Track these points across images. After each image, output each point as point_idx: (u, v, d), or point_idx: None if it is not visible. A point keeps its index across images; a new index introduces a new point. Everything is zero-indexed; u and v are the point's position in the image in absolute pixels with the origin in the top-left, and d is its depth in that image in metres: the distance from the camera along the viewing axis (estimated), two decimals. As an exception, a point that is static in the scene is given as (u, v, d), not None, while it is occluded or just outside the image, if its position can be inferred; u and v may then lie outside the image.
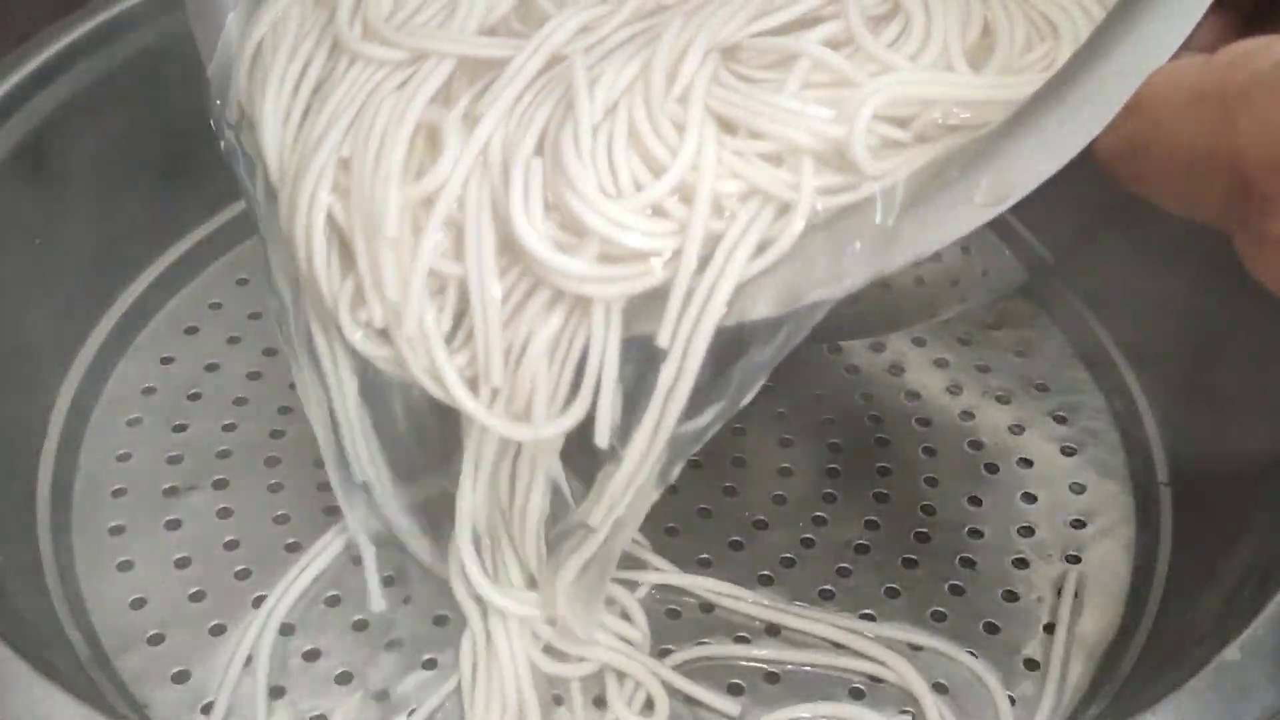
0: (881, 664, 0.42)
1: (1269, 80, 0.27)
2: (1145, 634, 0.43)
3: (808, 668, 0.42)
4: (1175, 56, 0.30)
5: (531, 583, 0.41)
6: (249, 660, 0.42)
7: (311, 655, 0.43)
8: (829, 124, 0.33)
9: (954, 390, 0.51)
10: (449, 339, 0.35)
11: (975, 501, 0.47)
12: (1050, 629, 0.43)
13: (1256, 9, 0.32)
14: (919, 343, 0.53)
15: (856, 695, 0.42)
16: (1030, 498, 0.47)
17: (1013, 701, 0.42)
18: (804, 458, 0.48)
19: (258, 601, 0.44)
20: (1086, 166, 0.30)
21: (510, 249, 0.34)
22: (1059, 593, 0.44)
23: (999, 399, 0.51)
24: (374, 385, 0.38)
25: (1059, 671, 0.42)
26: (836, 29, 0.35)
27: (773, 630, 0.43)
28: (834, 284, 0.32)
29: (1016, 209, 0.31)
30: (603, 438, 0.35)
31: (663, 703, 0.41)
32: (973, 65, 0.35)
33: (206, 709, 0.41)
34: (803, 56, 0.34)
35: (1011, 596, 0.45)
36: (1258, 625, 0.33)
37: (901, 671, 0.42)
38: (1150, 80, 0.30)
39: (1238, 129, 0.27)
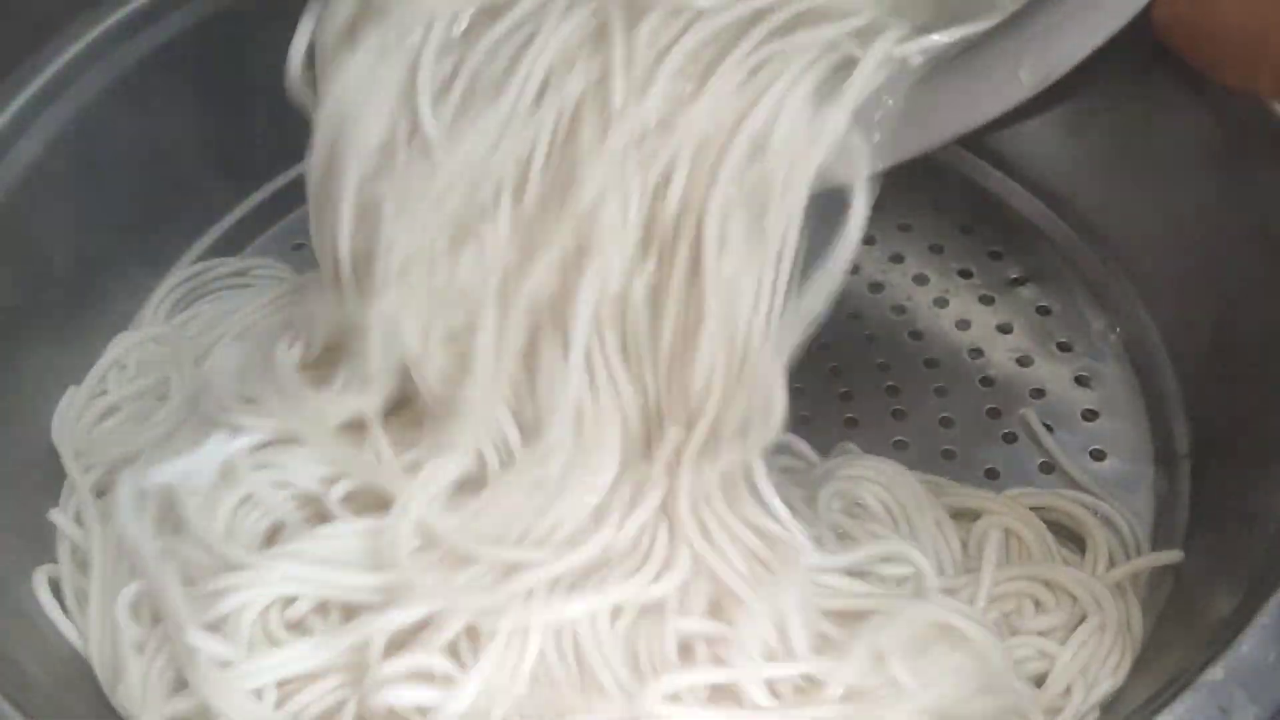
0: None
1: None
2: (1162, 600, 0.42)
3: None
4: None
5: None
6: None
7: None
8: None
9: (974, 354, 0.50)
10: None
11: (992, 474, 0.47)
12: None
13: None
14: (940, 303, 0.52)
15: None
16: (1048, 468, 0.47)
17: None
18: (819, 432, 0.47)
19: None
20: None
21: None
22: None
23: (1020, 361, 0.50)
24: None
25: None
26: None
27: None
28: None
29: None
30: None
31: None
32: None
33: None
34: None
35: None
36: (1241, 644, 0.32)
37: None
38: None
39: None
